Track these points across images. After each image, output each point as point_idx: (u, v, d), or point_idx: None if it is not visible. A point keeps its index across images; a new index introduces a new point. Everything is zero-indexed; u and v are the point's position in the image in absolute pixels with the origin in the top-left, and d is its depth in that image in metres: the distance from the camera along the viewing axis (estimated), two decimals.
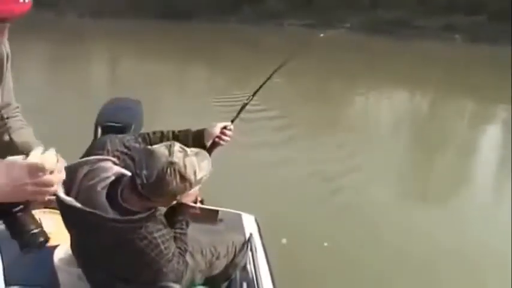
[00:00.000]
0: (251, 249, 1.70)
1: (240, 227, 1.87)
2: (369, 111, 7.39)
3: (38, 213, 1.70)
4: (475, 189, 4.09)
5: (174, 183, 1.09)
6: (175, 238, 1.27)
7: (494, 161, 4.93)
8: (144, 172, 1.08)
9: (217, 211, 1.90)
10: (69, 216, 1.21)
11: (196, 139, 1.42)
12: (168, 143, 1.13)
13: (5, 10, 0.81)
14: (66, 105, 5.58)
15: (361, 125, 6.13)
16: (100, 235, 1.15)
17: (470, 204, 3.65)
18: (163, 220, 1.23)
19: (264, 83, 1.58)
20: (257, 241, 1.82)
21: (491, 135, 6.08)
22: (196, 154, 1.15)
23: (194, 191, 1.33)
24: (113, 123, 1.87)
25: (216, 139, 1.43)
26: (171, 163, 1.08)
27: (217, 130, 1.43)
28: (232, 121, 1.48)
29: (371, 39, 12.88)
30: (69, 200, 1.15)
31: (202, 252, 1.47)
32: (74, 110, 5.27)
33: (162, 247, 1.15)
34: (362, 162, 4.27)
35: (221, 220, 1.90)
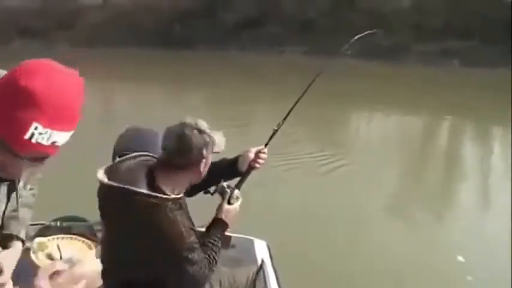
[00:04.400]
0: (264, 275, 1.79)
1: (252, 253, 1.96)
2: (370, 134, 7.60)
3: (56, 240, 1.82)
4: (468, 206, 4.24)
5: (194, 137, 1.27)
6: (206, 246, 1.38)
7: (492, 181, 5.13)
8: (167, 142, 1.29)
9: (229, 237, 2.00)
10: (106, 199, 1.32)
11: (230, 164, 1.59)
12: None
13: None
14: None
15: (363, 147, 6.31)
16: (130, 211, 1.25)
17: (464, 223, 3.77)
18: (188, 213, 1.36)
19: (291, 109, 1.72)
20: (269, 267, 1.91)
21: (490, 156, 6.31)
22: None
23: (234, 207, 1.48)
24: (129, 152, 1.99)
25: (252, 163, 1.58)
26: (184, 123, 1.30)
27: (252, 155, 1.59)
28: (265, 145, 1.63)
29: (369, 65, 13.35)
30: (108, 182, 1.29)
31: (220, 282, 1.55)
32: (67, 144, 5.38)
33: (183, 229, 1.27)
34: (364, 187, 4.40)
35: (233, 246, 1.99)
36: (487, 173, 5.44)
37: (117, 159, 2.06)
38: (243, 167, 1.58)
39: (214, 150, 1.34)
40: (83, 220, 2.05)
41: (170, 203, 1.27)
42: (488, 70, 12.32)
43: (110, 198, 1.29)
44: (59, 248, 1.75)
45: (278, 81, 11.12)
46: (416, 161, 5.93)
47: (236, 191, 1.49)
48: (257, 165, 1.58)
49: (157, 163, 1.33)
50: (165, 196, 1.27)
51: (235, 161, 1.59)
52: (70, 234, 1.88)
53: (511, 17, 13.79)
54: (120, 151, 2.01)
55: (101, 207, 1.36)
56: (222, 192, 1.48)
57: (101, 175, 1.30)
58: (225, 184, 1.50)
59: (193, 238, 1.30)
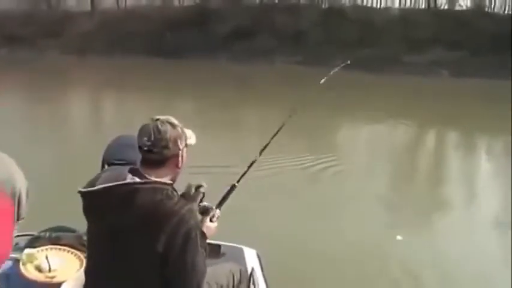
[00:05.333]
0: (253, 284, 1.83)
1: (242, 261, 2.00)
2: (359, 144, 7.72)
3: (45, 251, 1.83)
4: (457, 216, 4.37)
5: (168, 130, 1.33)
6: None
7: (480, 188, 5.29)
8: (145, 139, 1.32)
9: (219, 245, 2.03)
10: (101, 204, 1.30)
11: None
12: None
13: None
14: (45, 148, 5.68)
15: (352, 156, 6.41)
16: (137, 202, 1.25)
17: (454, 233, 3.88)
18: None
19: (268, 143, 1.81)
20: (259, 276, 1.95)
21: (476, 164, 6.51)
22: None
23: (214, 226, 1.55)
24: (118, 161, 2.02)
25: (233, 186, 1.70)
26: (157, 119, 1.35)
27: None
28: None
29: (359, 76, 13.59)
30: (100, 187, 1.28)
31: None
32: (53, 153, 5.39)
33: (191, 206, 1.34)
34: (353, 195, 4.49)
35: (223, 254, 2.03)
36: (471, 180, 5.62)
37: (106, 167, 2.10)
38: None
39: (188, 142, 1.39)
40: (72, 230, 2.07)
41: (169, 186, 1.32)
42: (477, 80, 12.70)
43: (107, 201, 1.29)
44: (47, 259, 1.77)
45: (269, 91, 11.23)
46: (404, 170, 6.06)
47: (217, 211, 1.59)
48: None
49: (140, 164, 1.35)
50: (162, 181, 1.31)
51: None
52: (59, 244, 1.90)
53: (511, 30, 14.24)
54: (108, 160, 2.05)
55: (93, 217, 1.34)
56: (204, 211, 1.56)
57: (85, 188, 1.31)
58: (206, 204, 1.59)
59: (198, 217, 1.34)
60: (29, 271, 1.72)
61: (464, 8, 18.82)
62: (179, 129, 1.36)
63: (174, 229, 1.25)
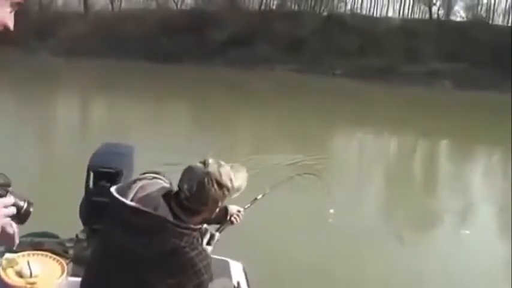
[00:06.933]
0: None
1: (228, 274, 2.02)
2: (355, 153, 7.80)
3: (26, 256, 1.86)
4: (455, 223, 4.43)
5: (213, 190, 1.26)
6: None
7: (479, 197, 5.40)
8: (186, 186, 1.27)
9: None
10: (124, 221, 1.27)
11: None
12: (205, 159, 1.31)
13: None
14: (31, 151, 5.68)
15: (346, 165, 6.47)
16: (157, 238, 1.23)
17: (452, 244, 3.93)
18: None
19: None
20: None
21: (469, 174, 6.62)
22: (231, 166, 1.33)
23: (210, 248, 1.57)
24: (104, 168, 2.06)
25: (232, 218, 1.69)
26: (207, 173, 1.26)
27: (234, 210, 1.67)
28: (244, 208, 1.71)
29: (359, 85, 13.77)
30: (133, 204, 1.24)
31: None
32: (38, 157, 5.41)
33: (209, 261, 1.30)
34: (341, 206, 4.53)
35: None
36: (469, 190, 5.70)
37: (92, 174, 2.14)
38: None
39: (233, 196, 1.35)
40: (55, 236, 2.09)
41: (196, 233, 1.30)
42: (476, 92, 12.90)
43: (132, 221, 1.25)
44: (29, 265, 1.79)
45: (264, 98, 11.33)
46: (397, 179, 6.13)
47: (217, 235, 1.62)
48: (233, 220, 1.69)
49: (174, 198, 1.32)
50: (193, 226, 1.27)
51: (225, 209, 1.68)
52: (41, 250, 1.92)
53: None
54: (94, 168, 2.09)
55: (108, 227, 1.33)
56: (209, 240, 1.60)
57: (119, 195, 1.27)
58: (211, 231, 1.62)
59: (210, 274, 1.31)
60: (9, 276, 1.74)
61: (464, 19, 19.23)
62: (225, 190, 1.28)
63: (186, 279, 1.26)
